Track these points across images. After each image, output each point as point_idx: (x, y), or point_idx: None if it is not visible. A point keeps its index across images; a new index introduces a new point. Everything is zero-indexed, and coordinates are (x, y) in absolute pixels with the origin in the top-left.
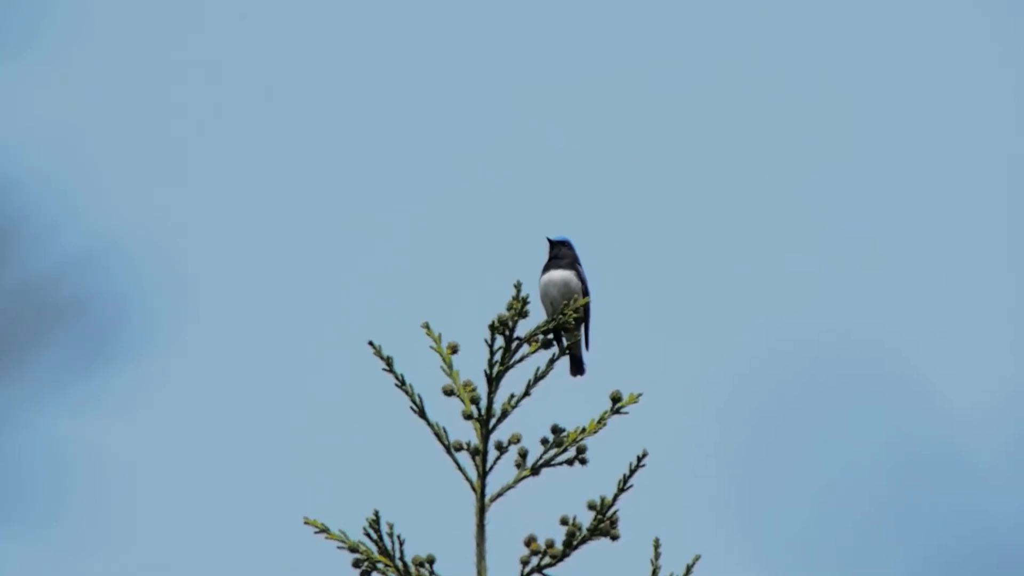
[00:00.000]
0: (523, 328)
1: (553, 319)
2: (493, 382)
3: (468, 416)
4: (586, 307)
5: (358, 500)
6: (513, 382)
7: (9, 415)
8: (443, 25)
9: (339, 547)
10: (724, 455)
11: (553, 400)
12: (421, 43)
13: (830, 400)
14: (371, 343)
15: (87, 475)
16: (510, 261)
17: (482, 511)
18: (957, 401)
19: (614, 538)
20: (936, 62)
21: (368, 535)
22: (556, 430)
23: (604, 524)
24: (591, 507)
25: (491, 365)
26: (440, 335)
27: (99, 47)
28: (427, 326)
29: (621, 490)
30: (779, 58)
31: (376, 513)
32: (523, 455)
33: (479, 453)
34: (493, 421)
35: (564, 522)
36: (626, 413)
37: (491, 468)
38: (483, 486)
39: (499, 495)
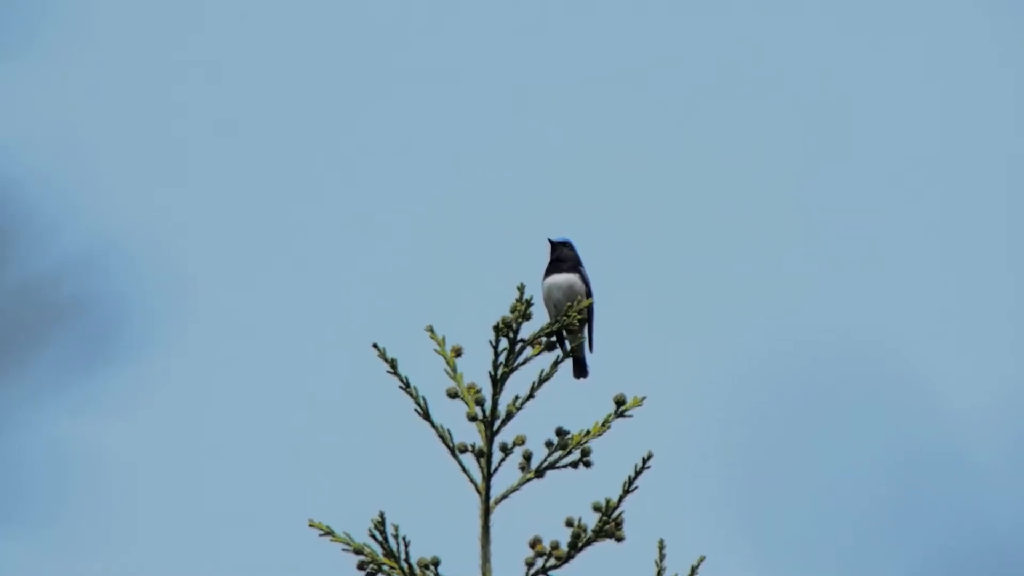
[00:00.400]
0: (526, 331)
1: (557, 321)
2: (497, 384)
3: (473, 418)
4: (589, 309)
5: (363, 502)
6: (517, 384)
7: (9, 415)
8: (444, 25)
9: (344, 549)
10: (724, 455)
11: (557, 402)
12: (422, 43)
13: (830, 400)
14: (375, 345)
15: (87, 475)
16: (510, 262)
17: (487, 513)
18: (957, 401)
19: (619, 540)
20: (936, 62)
21: (373, 537)
22: (560, 433)
23: (609, 526)
24: (596, 509)
25: (495, 367)
26: (444, 338)
27: (99, 47)
28: (431, 329)
29: (626, 492)
30: (779, 58)
31: (381, 515)
32: (528, 457)
33: (484, 455)
34: (498, 423)
35: (569, 524)
36: (630, 416)
37: (496, 470)
38: (488, 488)
39: (504, 497)
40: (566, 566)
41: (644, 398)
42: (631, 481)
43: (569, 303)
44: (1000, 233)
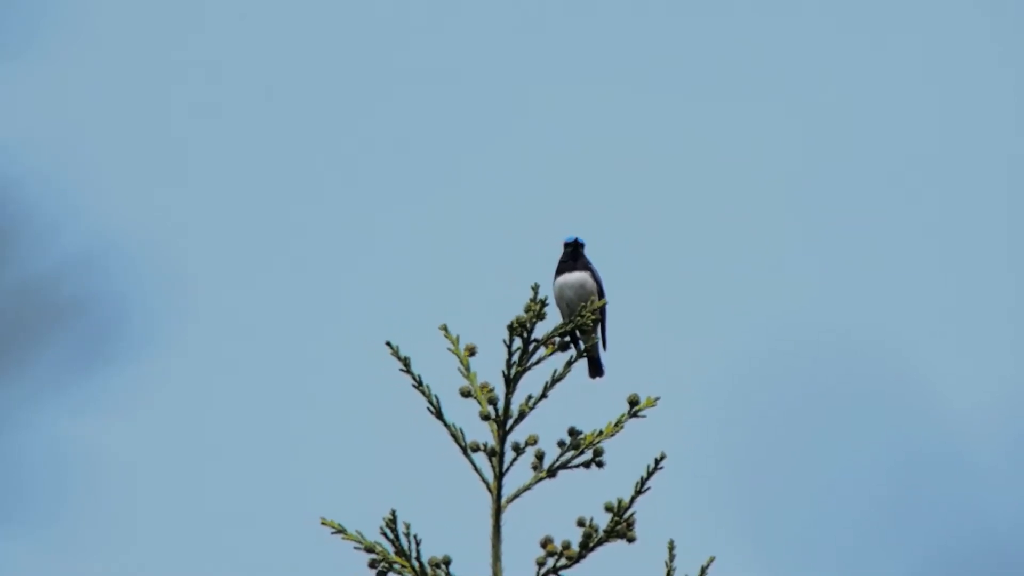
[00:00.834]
0: (540, 331)
1: (571, 321)
2: (511, 383)
3: (485, 417)
4: (602, 308)
5: (374, 500)
6: (530, 384)
7: (9, 415)
8: (444, 24)
9: (356, 547)
10: (724, 455)
11: (569, 402)
12: (424, 43)
13: (830, 400)
14: (388, 343)
15: (87, 475)
16: (510, 262)
17: (498, 512)
18: (957, 401)
19: (631, 540)
20: (936, 62)
21: (385, 535)
22: (573, 432)
23: (621, 526)
24: (608, 509)
25: (509, 366)
26: (458, 337)
27: (99, 47)
28: (445, 328)
29: (638, 492)
30: (780, 58)
31: (393, 513)
32: (540, 457)
33: (496, 454)
34: (510, 422)
35: (581, 523)
36: (644, 416)
37: (507, 469)
38: (499, 487)
39: (515, 496)
40: (577, 566)
41: (658, 398)
42: (643, 482)
43: (582, 303)
44: (1000, 233)
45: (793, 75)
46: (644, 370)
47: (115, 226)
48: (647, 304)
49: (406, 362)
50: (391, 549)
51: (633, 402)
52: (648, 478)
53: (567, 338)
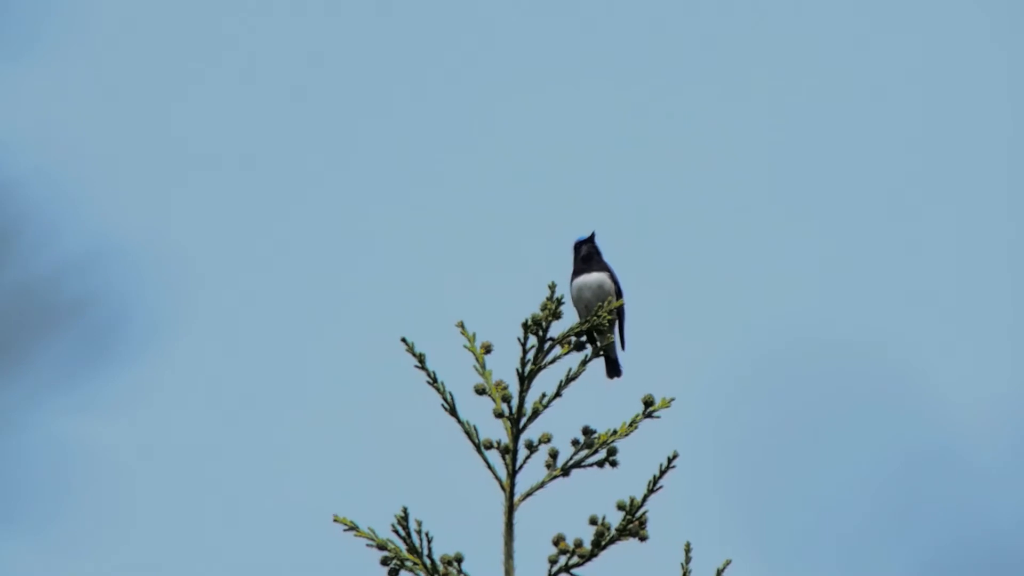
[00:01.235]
0: (555, 330)
1: (587, 320)
2: (525, 381)
3: (499, 415)
4: (620, 308)
5: (386, 498)
6: (545, 383)
7: (9, 415)
8: (447, 23)
9: (368, 544)
10: (724, 455)
11: (584, 402)
12: (426, 42)
13: (830, 400)
14: (404, 339)
15: (87, 475)
16: (523, 263)
17: (511, 510)
18: (957, 401)
19: (643, 539)
20: (936, 62)
21: (396, 532)
22: (587, 431)
23: (633, 525)
24: (620, 507)
25: (523, 364)
26: (474, 334)
27: (100, 47)
28: (462, 325)
29: (651, 491)
30: (781, 59)
31: (405, 510)
32: (553, 455)
33: (509, 452)
34: (524, 420)
35: (593, 522)
36: (658, 417)
37: (521, 467)
38: (512, 485)
39: (528, 494)
40: (589, 564)
41: (672, 399)
42: (656, 480)
43: (600, 303)
44: (1000, 233)
45: (794, 76)
46: (656, 371)
47: (116, 226)
48: (646, 304)
49: (421, 358)
50: (403, 546)
51: (648, 402)
52: (660, 477)
53: (584, 338)
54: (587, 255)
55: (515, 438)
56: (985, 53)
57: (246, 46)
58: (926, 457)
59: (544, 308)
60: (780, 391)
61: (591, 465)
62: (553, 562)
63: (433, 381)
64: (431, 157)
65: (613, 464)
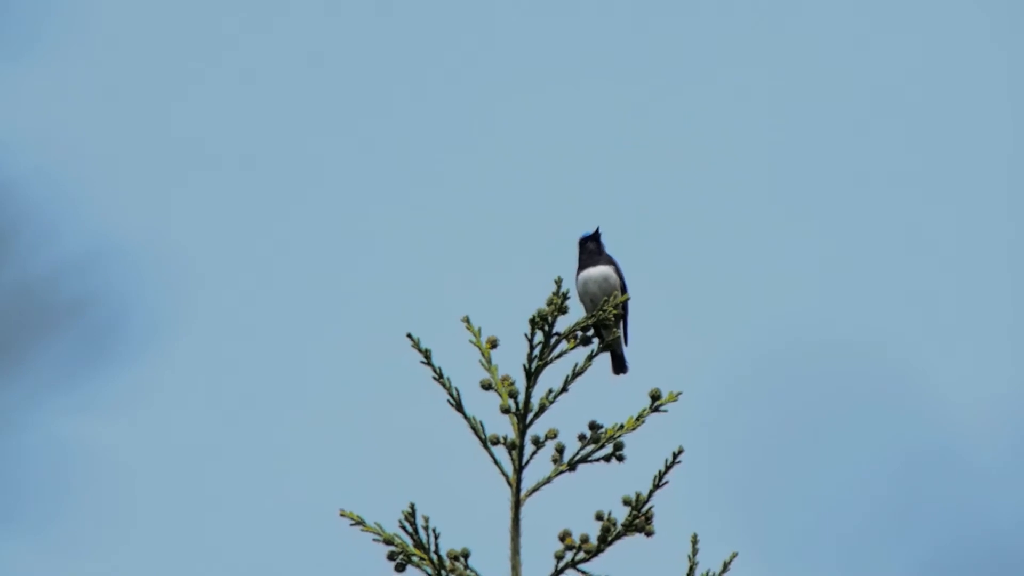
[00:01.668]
0: (561, 325)
1: (593, 315)
2: (531, 377)
3: (506, 410)
4: (624, 303)
5: (392, 494)
6: (551, 378)
7: (9, 415)
8: (447, 24)
9: (375, 539)
10: (725, 455)
11: (590, 397)
12: (426, 42)
13: (830, 400)
14: (409, 335)
15: (87, 475)
16: (510, 262)
17: (517, 505)
18: (957, 401)
19: (649, 534)
20: (936, 62)
21: (403, 528)
22: (594, 426)
23: (639, 520)
24: (626, 503)
25: (530, 360)
26: (480, 329)
27: (100, 47)
28: (467, 320)
29: (656, 486)
30: (781, 59)
31: (412, 506)
32: (560, 450)
33: (515, 447)
34: (530, 416)
35: (599, 517)
36: (665, 411)
37: (527, 463)
38: (519, 480)
39: (535, 490)
40: (595, 559)
41: (680, 393)
42: (661, 476)
43: (606, 297)
44: (1000, 234)
45: (795, 76)
46: (660, 368)
47: (115, 226)
48: (646, 304)
49: (427, 354)
50: (410, 542)
51: (655, 396)
52: (666, 472)
53: (590, 332)
54: (592, 250)
55: (521, 433)
56: (985, 53)
57: (246, 46)
58: (926, 457)
59: (550, 303)
60: (780, 391)
61: (598, 460)
62: (559, 558)
63: (439, 377)
64: (431, 157)
65: (620, 459)
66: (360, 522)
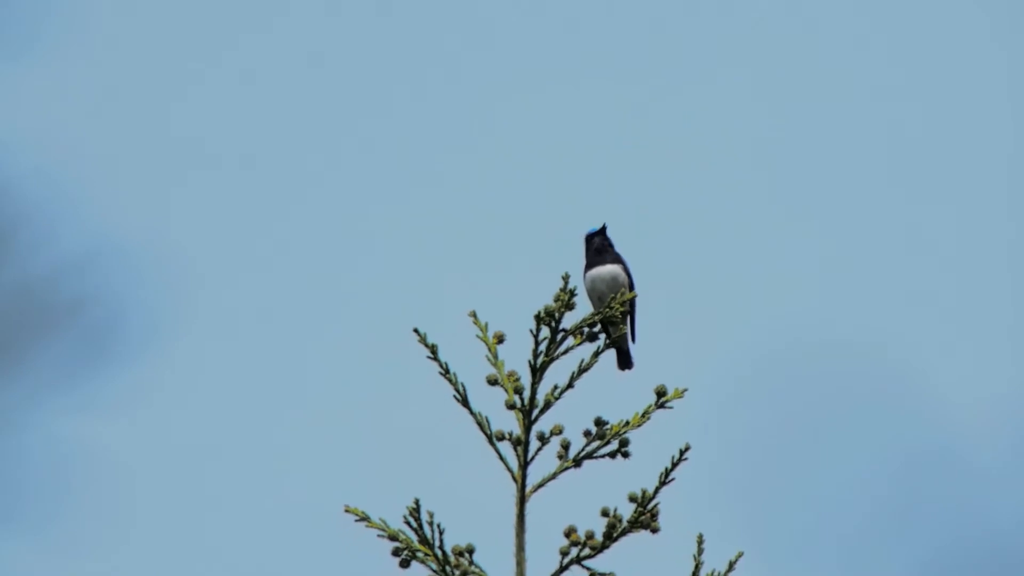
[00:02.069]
0: (567, 321)
1: (600, 312)
2: (537, 372)
3: (511, 406)
4: (632, 300)
5: (397, 489)
6: (557, 374)
7: (9, 415)
8: (447, 24)
9: (379, 535)
10: (725, 454)
11: (596, 393)
12: (426, 42)
13: (831, 400)
14: (416, 330)
15: (87, 475)
16: (510, 261)
17: (522, 501)
18: (957, 401)
19: (654, 531)
20: (936, 62)
21: (408, 523)
22: (599, 423)
23: (644, 517)
24: (632, 499)
25: (536, 355)
26: (486, 324)
27: (100, 47)
28: (474, 315)
29: (662, 483)
30: (783, 59)
31: (417, 502)
32: (566, 446)
33: (521, 443)
34: (536, 412)
35: (604, 514)
36: (671, 407)
37: (532, 459)
38: (524, 476)
39: (540, 486)
40: (601, 556)
41: (685, 390)
42: (668, 472)
43: (613, 295)
44: (1000, 233)
45: (796, 76)
46: (666, 364)
47: (114, 226)
48: (646, 303)
49: (433, 349)
50: (414, 537)
51: (660, 393)
52: (672, 469)
53: (596, 329)
54: (600, 247)
55: (527, 429)
56: (985, 53)
57: (246, 46)
58: (926, 457)
59: (557, 299)
60: (780, 391)
61: (603, 456)
62: (565, 554)
63: (446, 372)
64: (431, 156)
65: (625, 455)
66: (365, 518)
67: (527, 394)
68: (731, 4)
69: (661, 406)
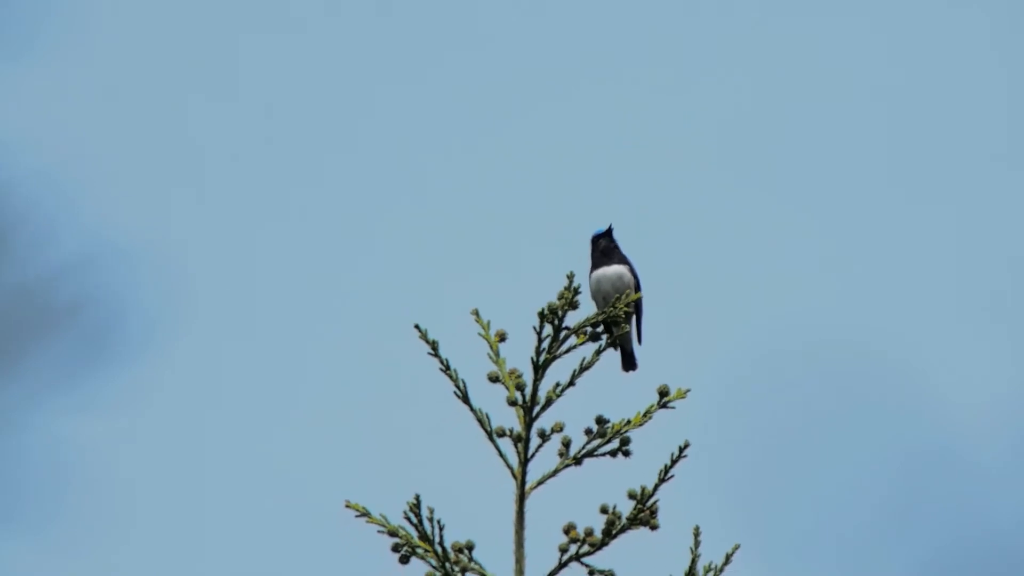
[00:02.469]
0: (571, 320)
1: (604, 312)
2: (539, 370)
3: (512, 403)
4: (637, 301)
5: (397, 485)
6: (559, 372)
7: (9, 415)
8: (447, 24)
9: (379, 531)
10: (725, 454)
11: (597, 392)
12: (426, 42)
13: (831, 400)
14: (417, 327)
15: (87, 475)
16: (510, 261)
17: (522, 498)
18: (957, 401)
19: (653, 528)
20: (936, 62)
21: (408, 519)
22: (601, 421)
23: (644, 514)
24: (631, 496)
25: (538, 353)
26: (489, 322)
27: (100, 47)
28: (476, 313)
29: (662, 480)
30: (783, 59)
31: (417, 498)
32: (566, 444)
33: (521, 440)
34: (537, 409)
35: (604, 511)
36: (673, 407)
37: (533, 456)
38: (524, 473)
39: (540, 483)
40: (600, 553)
41: (688, 390)
42: (667, 469)
43: (618, 295)
44: (1000, 233)
45: (796, 76)
46: (669, 366)
47: (113, 227)
48: (647, 303)
49: (435, 345)
50: (414, 533)
51: (663, 393)
52: (672, 466)
53: (600, 328)
54: (606, 249)
55: (528, 426)
56: (985, 53)
57: (245, 46)
58: (926, 457)
59: (561, 297)
60: (780, 391)
61: (604, 455)
62: (564, 551)
63: (446, 368)
64: (431, 155)
65: (626, 454)
66: (365, 513)
67: (529, 391)
68: (731, 4)
69: (663, 406)
